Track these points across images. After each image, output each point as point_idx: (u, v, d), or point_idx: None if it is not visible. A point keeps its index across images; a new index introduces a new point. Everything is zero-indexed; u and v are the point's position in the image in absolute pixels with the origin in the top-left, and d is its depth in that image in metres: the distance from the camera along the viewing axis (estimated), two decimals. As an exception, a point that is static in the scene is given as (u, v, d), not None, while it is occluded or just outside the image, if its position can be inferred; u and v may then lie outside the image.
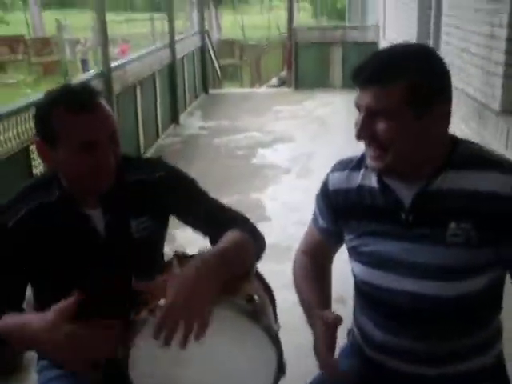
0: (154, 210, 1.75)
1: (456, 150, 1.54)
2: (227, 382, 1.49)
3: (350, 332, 1.85)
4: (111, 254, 1.70)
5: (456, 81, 5.41)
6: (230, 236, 1.60)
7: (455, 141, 1.57)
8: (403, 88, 1.42)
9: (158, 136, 8.10)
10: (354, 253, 1.69)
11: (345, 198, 1.68)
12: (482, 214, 1.48)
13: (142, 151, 7.11)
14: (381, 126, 1.45)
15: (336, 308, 1.67)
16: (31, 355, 2.53)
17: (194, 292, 1.37)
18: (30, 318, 1.48)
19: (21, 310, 1.64)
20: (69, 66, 20.14)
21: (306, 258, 1.85)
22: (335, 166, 1.75)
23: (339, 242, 1.78)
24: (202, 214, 1.77)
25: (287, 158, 7.03)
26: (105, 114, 1.59)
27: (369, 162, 1.54)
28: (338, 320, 1.51)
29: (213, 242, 1.65)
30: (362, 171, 1.65)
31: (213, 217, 1.75)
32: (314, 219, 1.83)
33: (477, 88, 5.02)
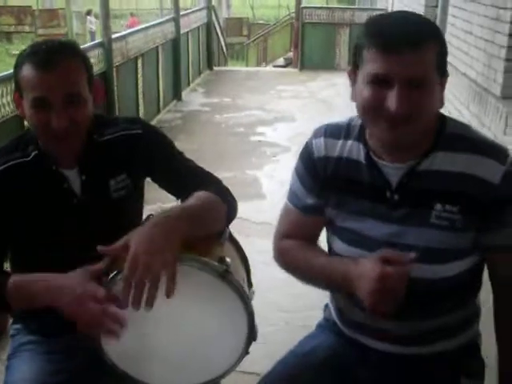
0: (131, 167, 1.74)
1: (445, 129, 1.49)
2: (197, 343, 1.48)
3: (326, 307, 1.83)
4: (86, 215, 1.69)
5: (459, 64, 5.35)
6: (198, 195, 1.59)
7: (443, 118, 1.52)
8: (435, 51, 1.37)
9: (159, 111, 8.05)
10: (333, 226, 1.62)
11: (332, 166, 1.58)
12: (469, 198, 1.44)
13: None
14: (415, 95, 1.36)
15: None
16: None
17: (154, 243, 1.36)
18: (48, 274, 1.51)
19: (3, 272, 1.66)
20: (78, 39, 20.07)
21: (292, 241, 1.69)
22: (319, 131, 1.63)
23: (323, 218, 1.65)
24: (176, 175, 1.77)
25: (287, 137, 6.98)
26: (65, 74, 1.57)
27: (380, 134, 1.43)
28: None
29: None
30: (350, 142, 1.57)
31: (186, 178, 1.74)
32: (294, 199, 1.68)
33: (479, 72, 4.96)
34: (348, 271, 1.48)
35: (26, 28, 20.84)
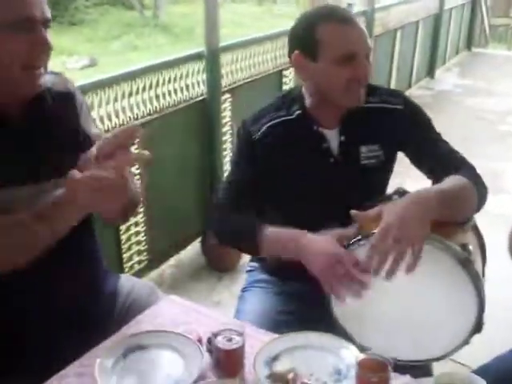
0: (386, 140, 1.77)
1: None
2: (420, 322, 1.49)
3: None
4: (340, 174, 1.76)
5: None
6: (454, 179, 1.58)
7: None
8: None
9: (409, 85, 7.93)
10: None
11: None
12: None
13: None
14: None
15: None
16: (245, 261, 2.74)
17: (408, 220, 1.38)
18: (301, 231, 1.60)
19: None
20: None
21: None
22: None
23: None
24: (431, 155, 1.76)
25: (542, 130, 6.50)
26: (364, 32, 1.67)
27: None
28: None
29: (435, 184, 1.64)
30: None
31: (441, 159, 1.73)
32: None
33: None
34: None
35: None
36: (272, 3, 21.08)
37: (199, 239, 3.66)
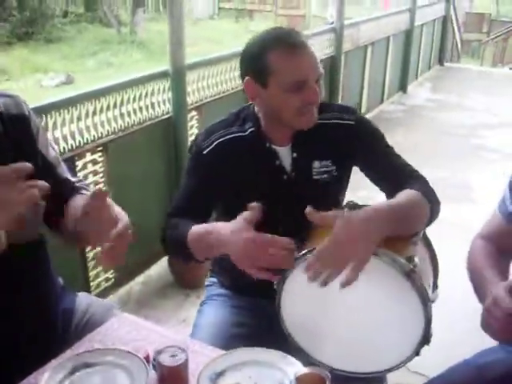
0: (338, 155, 1.80)
1: None
2: (370, 334, 1.51)
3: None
4: (293, 191, 1.79)
5: None
6: (406, 194, 1.60)
7: None
8: None
9: (382, 101, 8.02)
10: None
11: None
12: None
13: (362, 113, 7.09)
14: None
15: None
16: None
17: (358, 234, 1.40)
18: (217, 224, 1.62)
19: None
20: (314, 21, 20.53)
21: (486, 243, 1.71)
22: None
23: None
24: (384, 169, 1.79)
25: (511, 144, 6.58)
26: (314, 57, 1.67)
27: None
28: None
29: (388, 197, 1.67)
30: None
31: (393, 173, 1.76)
32: (501, 204, 1.70)
33: None
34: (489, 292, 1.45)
35: (268, 7, 21.85)
36: (249, 20, 21.27)
37: (166, 256, 3.67)
